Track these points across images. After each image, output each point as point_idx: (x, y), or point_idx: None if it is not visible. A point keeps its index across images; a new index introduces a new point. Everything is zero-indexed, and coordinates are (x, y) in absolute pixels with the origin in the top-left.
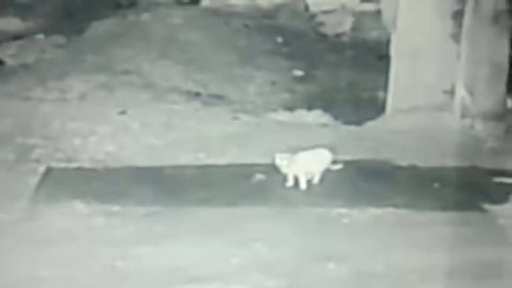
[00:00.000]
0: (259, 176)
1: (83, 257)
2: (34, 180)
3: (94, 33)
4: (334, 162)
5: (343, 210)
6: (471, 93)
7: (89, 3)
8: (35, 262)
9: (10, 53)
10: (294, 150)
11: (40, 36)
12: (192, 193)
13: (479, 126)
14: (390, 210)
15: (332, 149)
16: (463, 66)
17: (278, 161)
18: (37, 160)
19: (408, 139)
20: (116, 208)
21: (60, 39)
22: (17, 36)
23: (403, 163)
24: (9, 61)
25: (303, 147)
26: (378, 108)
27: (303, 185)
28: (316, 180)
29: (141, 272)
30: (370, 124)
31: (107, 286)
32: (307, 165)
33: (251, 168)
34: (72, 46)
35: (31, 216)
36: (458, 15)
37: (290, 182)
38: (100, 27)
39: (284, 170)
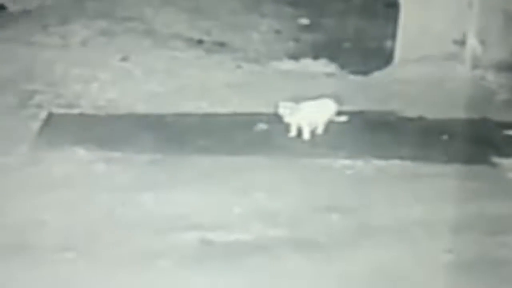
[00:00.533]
0: (261, 126)
1: (83, 203)
2: (35, 126)
3: None
4: (339, 113)
5: (347, 162)
6: (482, 42)
7: None
8: (36, 206)
9: None
10: (298, 99)
11: None
12: (194, 142)
13: (490, 77)
14: (396, 162)
15: (337, 99)
16: (475, 14)
17: (281, 110)
18: (39, 106)
19: (416, 90)
20: (117, 154)
21: None
22: None
23: (411, 114)
24: (11, 7)
25: (308, 97)
26: (386, 58)
27: (306, 135)
28: (319, 130)
29: (141, 218)
30: (377, 74)
31: (107, 232)
32: (311, 115)
33: (254, 117)
34: None
35: (32, 161)
36: None
37: (293, 132)
38: None
39: (287, 119)
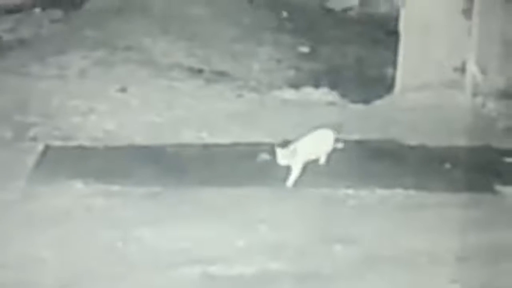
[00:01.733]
0: (263, 156)
1: (83, 238)
2: (32, 159)
3: (93, 7)
4: (337, 140)
5: (350, 191)
6: (482, 70)
7: None
8: (35, 242)
9: (6, 28)
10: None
11: (37, 10)
12: (194, 173)
13: (491, 104)
14: (399, 191)
15: (338, 128)
16: (475, 42)
17: (280, 156)
18: (35, 138)
19: (417, 118)
20: (116, 188)
21: (57, 13)
22: (13, 10)
23: (413, 142)
24: (5, 36)
25: (309, 126)
26: (387, 86)
27: (290, 181)
28: (322, 161)
29: (143, 253)
30: (378, 102)
31: (108, 268)
32: (311, 151)
33: (256, 148)
34: (70, 21)
35: (29, 195)
36: None
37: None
38: (98, 1)
39: (286, 162)
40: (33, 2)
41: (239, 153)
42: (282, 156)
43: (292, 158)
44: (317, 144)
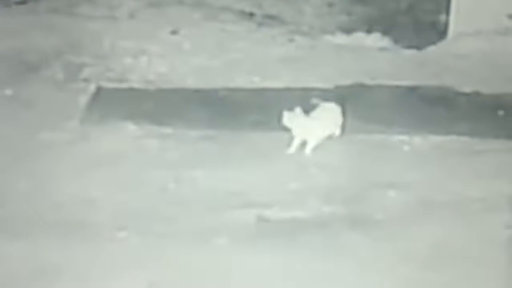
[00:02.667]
0: (315, 100)
1: (135, 179)
2: (84, 100)
3: None
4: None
5: (403, 137)
6: None
7: None
8: (86, 183)
9: None
10: (351, 74)
11: None
12: (247, 117)
13: None
14: (453, 137)
15: (392, 74)
16: None
17: (286, 120)
18: (87, 79)
19: (471, 65)
20: (168, 130)
21: None
22: None
23: (466, 89)
24: None
25: (361, 71)
26: (440, 32)
27: (308, 150)
28: (337, 132)
29: (195, 195)
30: (431, 48)
31: (161, 209)
32: (318, 127)
33: (308, 92)
34: None
35: (82, 136)
36: None
37: (292, 148)
38: None
39: (292, 130)
40: None
41: (291, 97)
42: (290, 119)
43: (299, 127)
44: (326, 121)
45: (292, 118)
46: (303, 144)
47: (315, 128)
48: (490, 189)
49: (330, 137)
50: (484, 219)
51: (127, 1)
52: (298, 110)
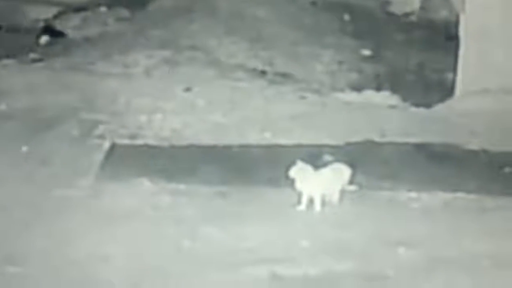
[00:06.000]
0: (327, 157)
1: (150, 236)
2: (99, 156)
3: (158, 7)
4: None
5: (412, 194)
6: None
7: None
8: (102, 239)
9: (72, 25)
10: (361, 131)
11: (103, 8)
12: (259, 173)
13: None
14: (461, 194)
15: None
16: None
17: (293, 174)
18: (102, 136)
19: (478, 123)
20: (182, 186)
21: (123, 12)
22: (79, 8)
23: (473, 147)
24: (72, 34)
25: (371, 128)
26: (447, 90)
27: (317, 206)
28: (335, 199)
29: (210, 252)
30: (439, 106)
31: (175, 266)
32: (325, 183)
33: (319, 149)
34: (136, 20)
35: (97, 193)
36: None
37: (302, 205)
38: (164, 1)
39: (298, 186)
40: (99, 0)
41: (302, 154)
42: (297, 171)
43: (306, 181)
44: (332, 178)
45: (299, 171)
46: (312, 200)
47: (320, 183)
48: (499, 246)
49: (336, 194)
50: (494, 276)
51: (142, 59)
52: (306, 164)
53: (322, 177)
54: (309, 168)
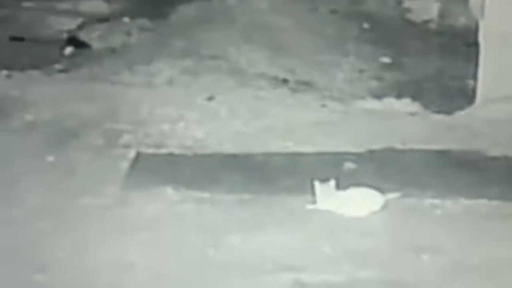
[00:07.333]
0: (349, 165)
1: (173, 244)
2: (124, 165)
3: (180, 17)
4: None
5: (435, 201)
6: None
7: None
8: (126, 248)
9: (96, 36)
10: (383, 138)
11: (126, 19)
12: (282, 181)
13: None
14: (483, 201)
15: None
16: None
17: (318, 192)
18: (126, 145)
19: (500, 129)
20: (206, 195)
21: (146, 22)
22: (102, 19)
23: (495, 153)
24: (95, 45)
25: (392, 136)
26: (468, 97)
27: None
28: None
29: (233, 260)
30: (460, 113)
31: (199, 274)
32: (350, 206)
33: (341, 157)
34: (158, 30)
35: (122, 201)
36: None
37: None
38: (185, 11)
39: (320, 205)
40: (122, 11)
41: (325, 161)
42: (321, 190)
43: (329, 201)
44: (359, 203)
45: (324, 192)
46: None
47: (346, 207)
48: None
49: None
50: None
51: (164, 69)
52: (332, 183)
53: (348, 202)
54: (331, 187)
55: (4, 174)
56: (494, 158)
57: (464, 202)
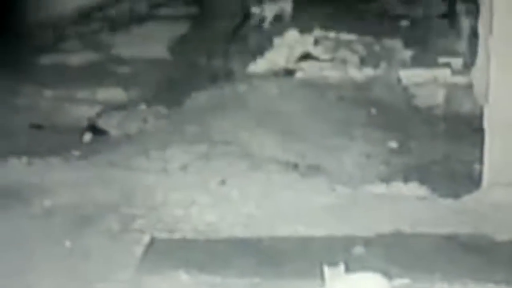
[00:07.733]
0: (359, 249)
1: None
2: (138, 250)
3: (194, 104)
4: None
5: (444, 285)
6: None
7: (188, 75)
8: None
9: (114, 123)
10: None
11: (143, 106)
12: (292, 265)
13: None
14: (491, 285)
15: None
16: None
17: (327, 276)
18: (140, 230)
19: (507, 214)
20: (218, 279)
21: (162, 109)
22: (120, 106)
23: (503, 238)
24: (113, 131)
25: (400, 220)
26: (475, 181)
27: None
28: None
29: None
30: (467, 197)
31: None
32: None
33: (351, 241)
34: (173, 117)
35: (136, 286)
36: None
37: None
38: (199, 98)
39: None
40: (139, 98)
41: (334, 245)
42: (331, 274)
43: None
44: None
45: (333, 276)
46: None
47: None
48: None
49: None
50: None
51: (178, 154)
52: (341, 267)
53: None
54: (340, 271)
55: (23, 259)
56: (502, 243)
57: (471, 285)
